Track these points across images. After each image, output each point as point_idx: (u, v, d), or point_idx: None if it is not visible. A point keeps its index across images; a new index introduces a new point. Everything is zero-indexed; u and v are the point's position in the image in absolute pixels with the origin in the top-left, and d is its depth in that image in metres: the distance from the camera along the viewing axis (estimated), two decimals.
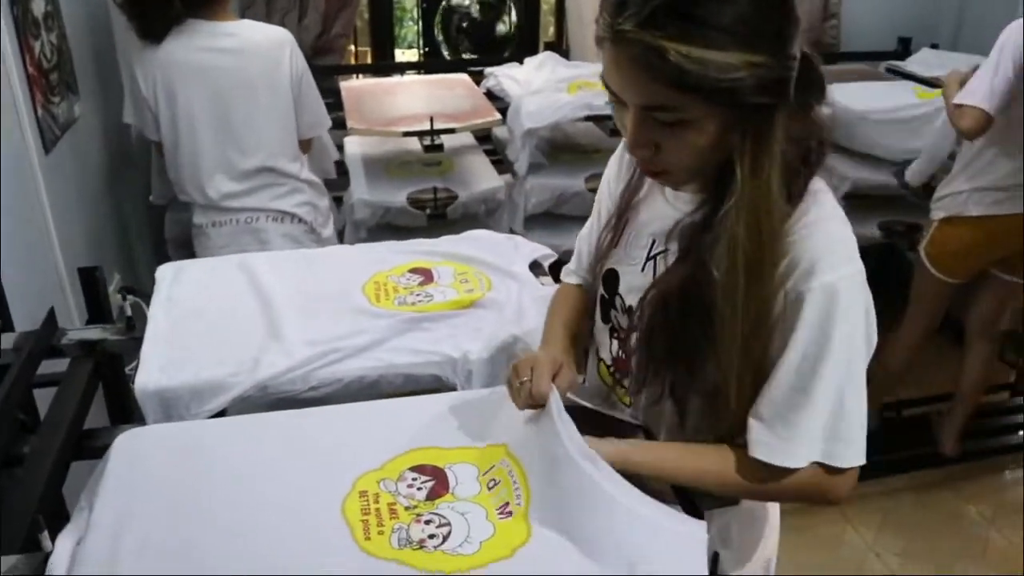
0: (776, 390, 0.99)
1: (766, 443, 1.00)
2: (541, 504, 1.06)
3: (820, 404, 0.97)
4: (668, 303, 1.07)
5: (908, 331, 2.86)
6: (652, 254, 1.14)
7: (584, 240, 1.35)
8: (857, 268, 0.97)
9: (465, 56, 4.01)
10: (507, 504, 1.07)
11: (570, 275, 1.38)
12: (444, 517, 1.06)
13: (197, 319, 1.50)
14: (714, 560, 1.16)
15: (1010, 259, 2.63)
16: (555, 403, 1.09)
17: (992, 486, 2.96)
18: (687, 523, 1.00)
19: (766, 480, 1.02)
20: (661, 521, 0.99)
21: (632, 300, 1.16)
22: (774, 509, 1.29)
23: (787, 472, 1.00)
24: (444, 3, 4.05)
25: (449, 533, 1.03)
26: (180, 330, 1.47)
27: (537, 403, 1.11)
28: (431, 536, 1.03)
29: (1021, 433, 3.14)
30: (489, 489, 1.11)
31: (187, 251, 2.41)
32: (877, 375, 2.90)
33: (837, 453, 0.99)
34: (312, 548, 1.03)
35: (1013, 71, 2.30)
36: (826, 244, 0.96)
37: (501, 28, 4.08)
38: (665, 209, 1.12)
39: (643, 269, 1.15)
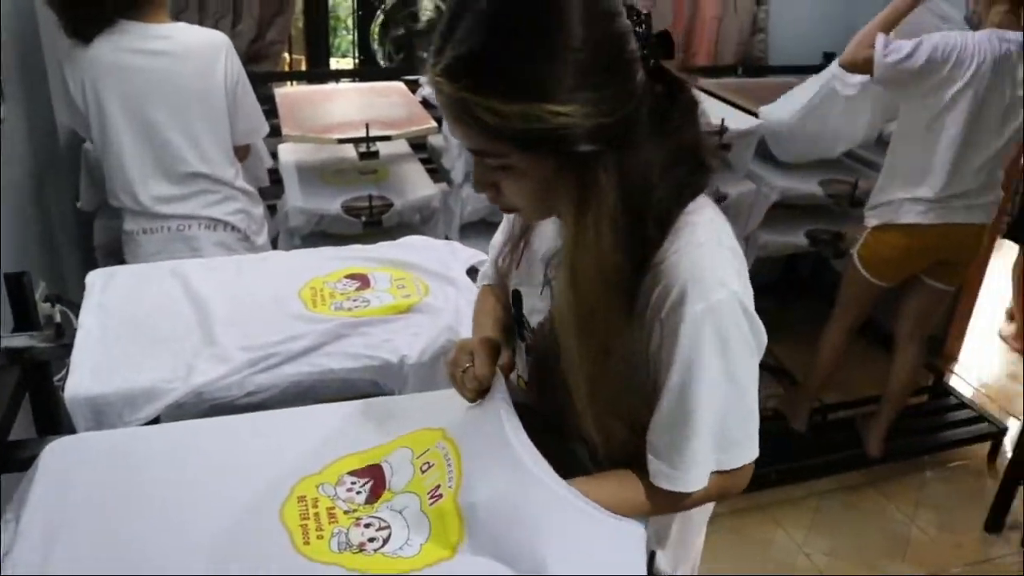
0: (663, 420, 1.00)
1: (665, 474, 1.02)
2: (472, 486, 1.06)
3: (707, 427, 0.98)
4: (550, 334, 1.08)
5: (835, 331, 2.95)
6: (547, 279, 1.14)
7: (495, 248, 1.34)
8: (730, 292, 0.95)
9: (401, 64, 4.01)
10: (438, 487, 1.08)
11: (487, 278, 1.38)
12: (384, 520, 1.06)
13: (129, 325, 1.48)
14: (650, 559, 1.18)
15: (939, 266, 2.73)
16: (499, 385, 1.11)
17: (913, 485, 3.05)
18: (624, 518, 1.02)
19: (672, 503, 1.05)
20: (598, 514, 1.01)
21: (535, 322, 1.17)
22: (704, 510, 1.31)
23: (689, 493, 1.03)
24: (380, 12, 4.05)
25: (389, 536, 1.04)
26: (112, 336, 1.45)
27: (483, 386, 1.12)
28: (371, 539, 1.03)
29: (940, 433, 3.24)
30: (423, 472, 1.11)
31: (117, 259, 2.36)
32: (807, 376, 3.02)
33: (730, 460, 1.03)
34: (249, 554, 1.02)
35: (921, 67, 2.41)
36: (694, 271, 0.94)
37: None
38: (553, 234, 1.13)
39: (541, 293, 1.15)
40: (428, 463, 1.13)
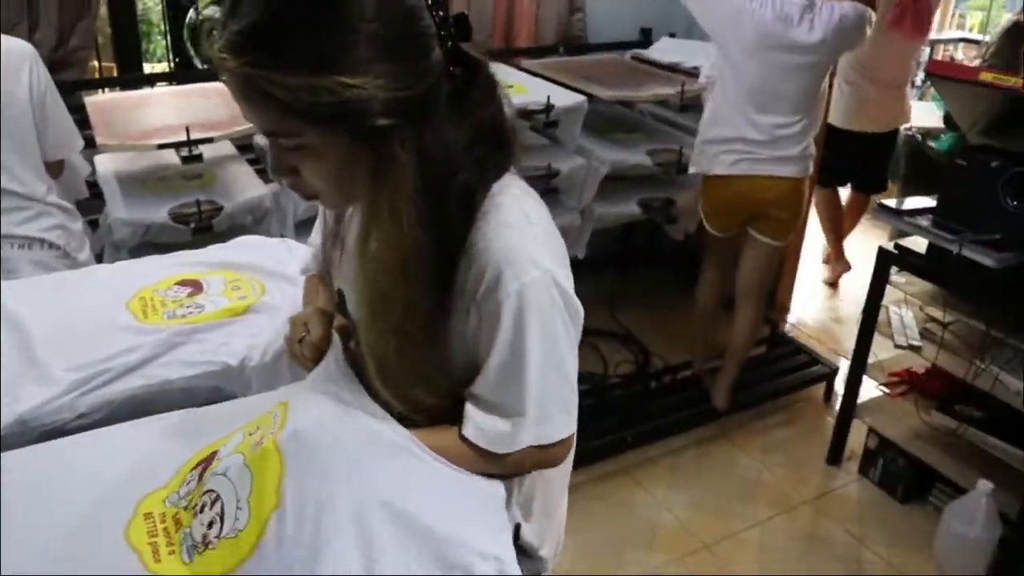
0: (486, 395, 1.02)
1: (487, 436, 1.03)
2: (293, 420, 1.04)
3: (528, 401, 1.00)
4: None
5: (700, 283, 3.14)
6: None
7: (314, 246, 1.32)
8: (542, 270, 0.96)
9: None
10: (262, 439, 1.05)
11: (310, 271, 1.37)
12: (214, 492, 1.02)
13: None
14: (515, 532, 1.19)
15: (763, 220, 2.88)
16: (335, 348, 1.11)
17: (759, 431, 3.22)
18: (480, 478, 1.04)
19: (490, 461, 1.06)
20: (457, 475, 1.02)
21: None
22: (564, 479, 1.32)
23: (506, 455, 1.04)
24: (193, 13, 3.90)
25: (223, 509, 1.00)
26: None
27: (320, 352, 1.12)
28: (210, 525, 1.00)
29: (779, 380, 3.42)
30: (250, 435, 1.08)
31: None
32: (695, 326, 3.17)
33: (547, 434, 1.04)
34: None
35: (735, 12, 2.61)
36: (505, 253, 0.95)
37: None
38: None
39: None
40: (258, 427, 1.10)
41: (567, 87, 3.10)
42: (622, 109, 3.66)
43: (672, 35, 3.84)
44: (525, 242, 0.97)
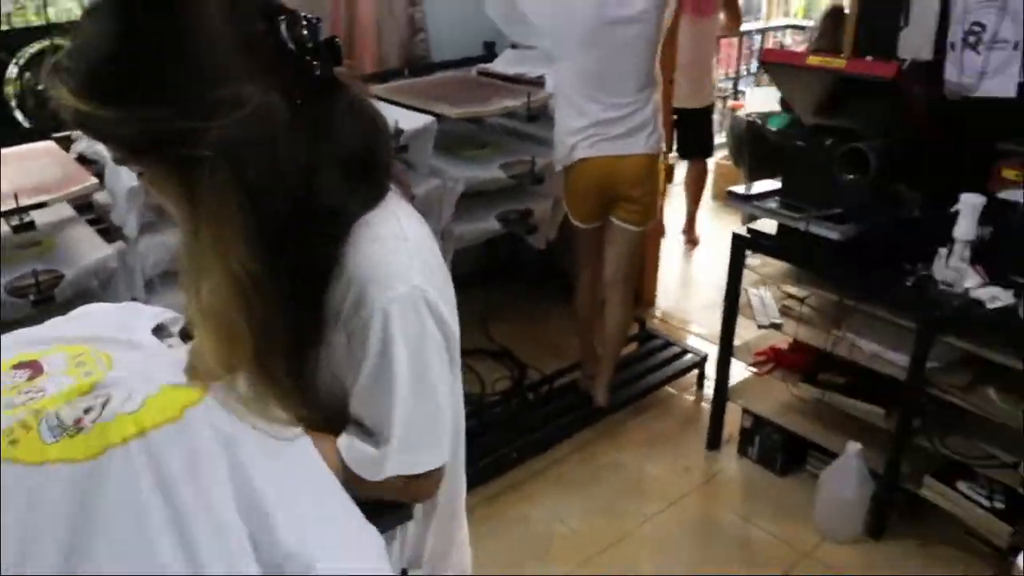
0: (357, 410, 1.01)
1: (355, 458, 1.01)
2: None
3: (396, 424, 0.98)
4: None
5: (578, 287, 3.20)
6: None
7: None
8: (410, 285, 0.94)
9: (48, 123, 3.69)
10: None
11: None
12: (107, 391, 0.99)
13: None
14: None
15: (620, 204, 2.97)
16: None
17: (638, 428, 3.29)
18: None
19: (361, 484, 1.02)
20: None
21: None
22: (461, 524, 1.31)
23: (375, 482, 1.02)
24: (14, 67, 3.70)
25: (108, 399, 0.96)
26: None
27: None
28: (87, 410, 0.96)
29: (653, 375, 3.49)
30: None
31: None
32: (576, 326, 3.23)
33: (415, 463, 1.02)
34: None
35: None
36: (371, 267, 0.94)
37: None
38: None
39: None
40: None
41: (415, 109, 3.09)
42: (472, 125, 3.67)
43: (514, 46, 3.87)
44: (394, 256, 0.95)
